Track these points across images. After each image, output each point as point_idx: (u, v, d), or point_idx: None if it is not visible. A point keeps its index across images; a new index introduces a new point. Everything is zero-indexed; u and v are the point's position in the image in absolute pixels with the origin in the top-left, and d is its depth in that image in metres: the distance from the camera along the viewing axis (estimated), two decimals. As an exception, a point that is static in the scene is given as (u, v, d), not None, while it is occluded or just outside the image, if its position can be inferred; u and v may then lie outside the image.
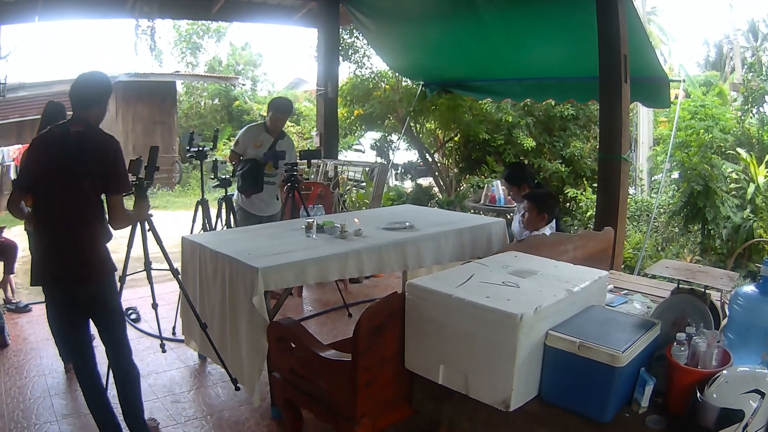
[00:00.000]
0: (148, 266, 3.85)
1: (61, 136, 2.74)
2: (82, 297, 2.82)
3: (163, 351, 4.16)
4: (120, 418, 2.96)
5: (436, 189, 11.06)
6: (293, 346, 2.91)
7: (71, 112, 2.89)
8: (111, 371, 3.07)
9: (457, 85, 7.80)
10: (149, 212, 3.46)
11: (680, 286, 2.58)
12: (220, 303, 3.50)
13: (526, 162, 9.59)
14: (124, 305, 5.21)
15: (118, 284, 3.20)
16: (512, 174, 4.77)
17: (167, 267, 3.86)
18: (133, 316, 5.07)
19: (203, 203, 4.97)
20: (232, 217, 5.04)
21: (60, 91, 13.33)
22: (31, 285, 2.91)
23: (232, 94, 18.69)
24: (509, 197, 5.64)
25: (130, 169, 3.05)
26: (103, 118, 2.90)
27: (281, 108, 5.23)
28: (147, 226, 3.62)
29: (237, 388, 3.62)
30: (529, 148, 9.49)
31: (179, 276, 3.94)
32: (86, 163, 2.72)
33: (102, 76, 2.92)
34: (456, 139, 10.38)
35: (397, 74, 10.02)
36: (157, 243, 3.72)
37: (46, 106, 3.84)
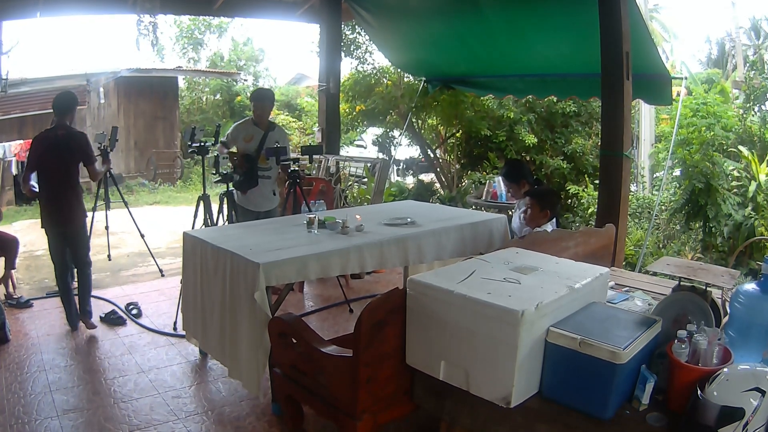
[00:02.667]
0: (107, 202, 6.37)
1: (54, 137, 4.46)
2: (69, 231, 4.60)
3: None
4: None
5: (437, 185, 11.04)
6: (294, 341, 2.91)
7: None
8: (77, 274, 4.77)
9: (459, 81, 7.79)
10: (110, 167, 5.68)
11: (681, 283, 2.58)
12: (222, 298, 3.50)
13: (527, 158, 9.58)
14: (126, 300, 5.28)
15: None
16: (511, 171, 4.77)
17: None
18: (134, 312, 5.07)
19: (204, 198, 4.98)
20: (233, 212, 5.04)
21: (61, 87, 13.27)
22: (41, 227, 4.61)
23: (234, 89, 18.67)
24: (509, 194, 5.64)
25: (96, 140, 5.24)
26: (74, 118, 4.65)
27: (259, 97, 5.13)
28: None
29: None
30: (531, 145, 9.46)
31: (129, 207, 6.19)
32: (71, 151, 4.50)
33: (71, 94, 4.81)
34: (458, 135, 10.35)
35: (399, 70, 10.01)
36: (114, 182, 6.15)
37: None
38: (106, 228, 6.48)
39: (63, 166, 4.47)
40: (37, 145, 4.48)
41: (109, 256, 6.61)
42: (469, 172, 10.48)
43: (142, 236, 6.23)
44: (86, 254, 4.76)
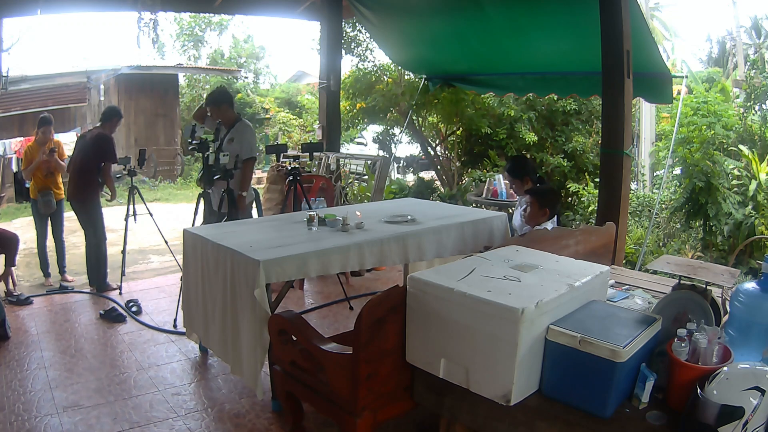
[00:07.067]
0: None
1: (87, 135, 5.82)
2: (76, 206, 5.66)
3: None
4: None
5: (438, 182, 11.03)
6: (294, 338, 2.91)
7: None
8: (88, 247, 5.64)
9: (460, 78, 7.79)
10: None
11: (681, 282, 2.58)
12: (222, 295, 3.50)
13: (528, 156, 9.58)
14: (126, 298, 5.29)
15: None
16: (515, 167, 4.78)
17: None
18: (134, 309, 5.08)
19: (205, 196, 4.98)
20: (234, 209, 5.03)
21: (62, 84, 13.27)
22: (65, 198, 5.83)
23: (235, 86, 18.67)
24: (511, 190, 5.65)
25: (121, 162, 5.78)
26: (115, 127, 5.82)
27: (211, 101, 4.98)
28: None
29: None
30: (531, 143, 9.46)
31: (155, 219, 6.05)
32: (93, 148, 5.64)
33: (117, 110, 5.96)
34: (458, 132, 10.35)
35: (399, 68, 10.00)
36: (141, 199, 6.05)
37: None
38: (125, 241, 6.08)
39: (84, 155, 5.63)
40: (78, 140, 5.95)
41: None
42: (470, 169, 10.48)
43: (166, 243, 6.10)
44: (96, 231, 5.67)
